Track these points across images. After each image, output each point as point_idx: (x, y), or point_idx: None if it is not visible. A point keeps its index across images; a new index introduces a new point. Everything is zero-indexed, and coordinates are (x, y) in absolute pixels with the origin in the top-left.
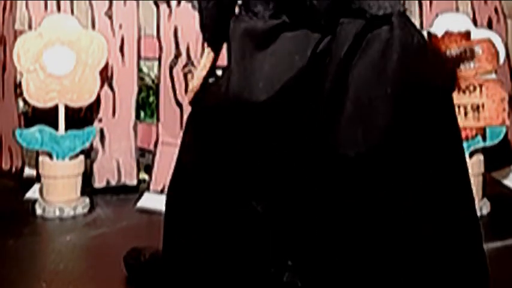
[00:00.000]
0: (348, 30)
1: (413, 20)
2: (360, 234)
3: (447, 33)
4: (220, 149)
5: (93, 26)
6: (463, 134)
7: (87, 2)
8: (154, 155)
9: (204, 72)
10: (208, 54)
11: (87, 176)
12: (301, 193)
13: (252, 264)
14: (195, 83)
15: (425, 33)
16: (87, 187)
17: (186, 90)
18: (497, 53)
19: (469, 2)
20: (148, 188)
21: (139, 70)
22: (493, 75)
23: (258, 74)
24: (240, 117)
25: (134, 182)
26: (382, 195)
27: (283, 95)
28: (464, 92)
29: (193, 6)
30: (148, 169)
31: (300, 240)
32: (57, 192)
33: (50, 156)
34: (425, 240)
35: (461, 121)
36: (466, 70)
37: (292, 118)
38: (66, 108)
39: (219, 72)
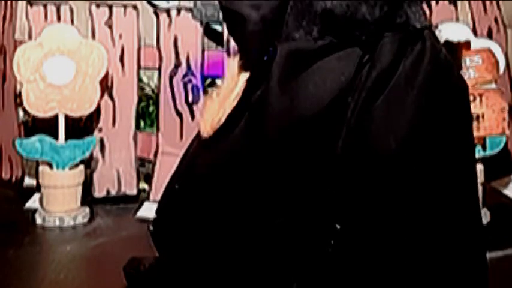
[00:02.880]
0: (391, 42)
1: None
2: (368, 242)
3: (447, 43)
4: (256, 166)
5: (93, 36)
6: None
7: (87, 11)
8: (154, 164)
9: (236, 101)
10: (244, 80)
11: (87, 185)
12: (322, 200)
13: (261, 276)
14: (225, 111)
15: None
16: (87, 197)
17: (186, 100)
18: (497, 63)
19: (469, 11)
20: (148, 198)
21: (139, 80)
22: (493, 85)
23: (303, 94)
24: (284, 133)
25: (134, 192)
26: (407, 207)
27: (327, 112)
28: None
29: (193, 16)
30: (149, 179)
31: (308, 249)
32: (57, 202)
33: (50, 165)
34: (430, 249)
35: None
36: (466, 80)
37: (330, 130)
38: (66, 117)
39: (219, 82)
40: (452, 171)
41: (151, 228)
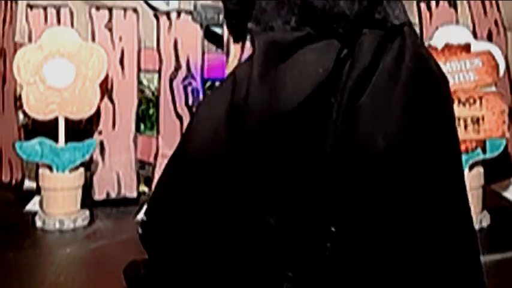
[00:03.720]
0: (370, 40)
1: None
2: (363, 243)
3: (447, 46)
4: (238, 161)
5: (93, 39)
6: (463, 147)
7: (87, 14)
8: (154, 167)
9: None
10: (236, 47)
11: (87, 188)
12: (314, 203)
13: (252, 275)
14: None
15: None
16: (87, 199)
17: (186, 102)
18: (497, 66)
19: (469, 14)
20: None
21: (139, 82)
22: (493, 88)
23: (282, 85)
24: (264, 127)
25: (134, 195)
26: (396, 204)
27: (306, 106)
28: (464, 104)
29: (193, 19)
30: (148, 181)
31: (303, 252)
32: (57, 204)
33: (50, 168)
34: (424, 246)
35: (461, 134)
36: (466, 82)
37: (313, 127)
38: (66, 120)
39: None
40: (440, 165)
41: (140, 231)
